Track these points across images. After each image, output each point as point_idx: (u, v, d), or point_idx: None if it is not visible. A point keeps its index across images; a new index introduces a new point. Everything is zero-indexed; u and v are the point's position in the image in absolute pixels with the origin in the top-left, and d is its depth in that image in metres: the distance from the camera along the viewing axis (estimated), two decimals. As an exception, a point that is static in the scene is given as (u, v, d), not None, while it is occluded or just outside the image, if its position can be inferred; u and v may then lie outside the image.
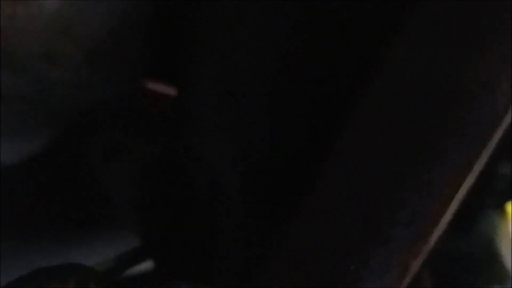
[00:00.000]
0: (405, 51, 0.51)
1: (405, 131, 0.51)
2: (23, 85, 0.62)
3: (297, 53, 0.57)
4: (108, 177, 0.68)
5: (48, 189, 0.70)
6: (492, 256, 0.66)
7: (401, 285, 0.51)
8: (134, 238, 0.71)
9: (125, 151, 0.67)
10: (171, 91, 0.65)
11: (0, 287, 0.65)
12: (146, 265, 0.72)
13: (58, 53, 0.60)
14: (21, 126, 0.65)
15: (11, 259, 0.70)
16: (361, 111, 0.52)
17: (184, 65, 0.63)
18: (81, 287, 0.65)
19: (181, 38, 0.63)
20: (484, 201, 0.66)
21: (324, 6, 0.56)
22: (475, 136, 0.50)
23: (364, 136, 0.52)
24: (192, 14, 0.62)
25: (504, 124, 0.50)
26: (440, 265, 0.65)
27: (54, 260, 0.67)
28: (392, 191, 0.51)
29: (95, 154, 0.68)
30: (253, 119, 0.59)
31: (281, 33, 0.57)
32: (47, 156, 0.68)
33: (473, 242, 0.66)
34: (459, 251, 0.66)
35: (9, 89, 0.62)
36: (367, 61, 0.53)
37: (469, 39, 0.50)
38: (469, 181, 0.51)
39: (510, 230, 0.66)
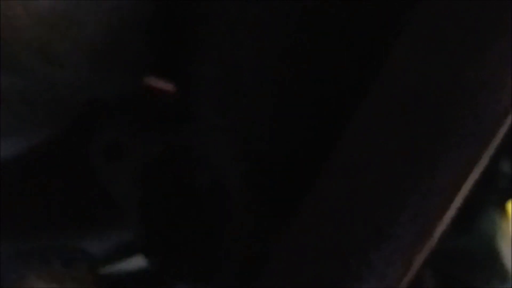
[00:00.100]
0: (406, 51, 0.51)
1: (408, 130, 0.51)
2: (22, 85, 0.61)
3: (299, 53, 0.57)
4: (108, 176, 0.68)
5: (48, 187, 0.70)
6: (493, 255, 0.66)
7: (403, 283, 0.51)
8: (130, 233, 0.71)
9: (125, 150, 0.67)
10: (170, 87, 0.65)
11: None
12: (141, 263, 0.72)
13: (57, 52, 0.60)
14: (21, 126, 0.65)
15: (10, 256, 0.70)
16: (364, 110, 0.52)
17: (185, 64, 0.63)
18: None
19: (182, 36, 0.63)
20: (485, 200, 0.66)
21: (325, 6, 0.56)
22: (476, 136, 0.50)
23: (367, 135, 0.52)
24: (194, 13, 0.62)
25: (506, 124, 0.50)
26: (441, 264, 0.65)
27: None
28: (394, 188, 0.51)
29: (95, 153, 0.68)
30: (255, 118, 0.59)
31: (283, 32, 0.57)
32: (47, 155, 0.68)
33: (473, 241, 0.66)
34: (460, 250, 0.66)
35: (8, 88, 0.61)
36: (368, 60, 0.53)
37: (469, 39, 0.50)
38: (472, 179, 0.51)
39: (511, 229, 0.66)
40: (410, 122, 0.51)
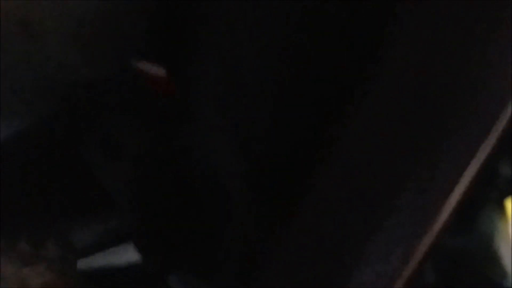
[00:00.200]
0: (406, 51, 0.51)
1: (406, 123, 0.51)
2: (4, 63, 0.59)
3: (299, 53, 0.57)
4: (105, 174, 0.68)
5: (35, 176, 0.69)
6: (492, 255, 0.66)
7: (402, 277, 0.52)
8: (124, 228, 0.71)
9: (125, 150, 0.67)
10: (162, 72, 0.65)
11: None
12: (136, 259, 0.72)
13: (40, 26, 0.57)
14: (5, 111, 0.63)
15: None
16: (363, 109, 0.52)
17: (185, 64, 0.63)
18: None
19: (182, 36, 0.63)
20: (484, 200, 0.66)
21: (325, 6, 0.56)
22: (476, 127, 0.50)
23: (366, 132, 0.52)
24: (194, 13, 0.62)
25: (503, 120, 0.50)
26: (440, 263, 0.65)
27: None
28: (391, 180, 0.51)
29: (91, 149, 0.67)
30: (255, 118, 0.59)
31: (283, 32, 0.57)
32: (34, 143, 0.67)
33: (472, 240, 0.66)
34: (459, 250, 0.66)
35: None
36: (368, 60, 0.53)
37: (470, 38, 0.50)
38: (471, 173, 0.51)
39: (510, 228, 0.66)
40: (408, 116, 0.51)
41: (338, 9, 0.56)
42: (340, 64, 0.56)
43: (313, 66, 0.57)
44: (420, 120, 0.51)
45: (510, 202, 0.66)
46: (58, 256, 0.67)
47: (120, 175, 0.67)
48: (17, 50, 0.59)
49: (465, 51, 0.50)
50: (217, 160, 0.62)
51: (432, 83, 0.51)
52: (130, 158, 0.67)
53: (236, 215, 0.61)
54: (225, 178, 0.61)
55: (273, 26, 0.58)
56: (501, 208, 0.66)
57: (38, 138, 0.67)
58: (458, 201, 0.51)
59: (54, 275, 0.66)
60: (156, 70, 0.64)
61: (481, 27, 0.50)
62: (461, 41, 0.50)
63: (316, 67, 0.57)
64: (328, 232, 0.52)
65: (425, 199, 0.51)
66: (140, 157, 0.67)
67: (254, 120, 0.59)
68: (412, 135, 0.51)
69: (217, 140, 0.61)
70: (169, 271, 0.68)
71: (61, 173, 0.69)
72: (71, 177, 0.69)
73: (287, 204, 0.55)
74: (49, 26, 0.58)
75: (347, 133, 0.53)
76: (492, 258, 0.66)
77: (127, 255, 0.73)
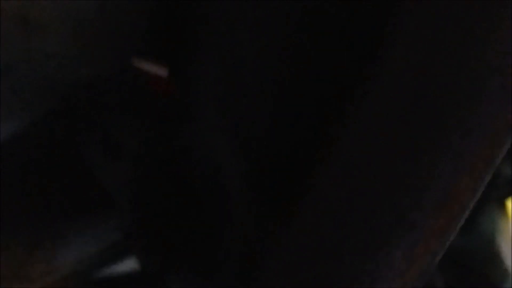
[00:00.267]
0: (407, 46, 0.51)
1: (406, 124, 0.51)
2: (3, 59, 0.59)
3: (299, 53, 0.57)
4: (105, 174, 0.68)
5: (36, 179, 0.69)
6: (493, 254, 0.66)
7: (403, 274, 0.52)
8: (124, 229, 0.71)
9: (125, 150, 0.67)
10: (162, 72, 0.65)
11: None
12: (135, 259, 0.72)
13: (39, 20, 0.57)
14: (6, 113, 0.63)
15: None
16: (363, 109, 0.52)
17: (185, 64, 0.63)
18: None
19: (182, 36, 0.63)
20: (484, 199, 0.66)
21: (325, 6, 0.56)
22: (476, 130, 0.50)
23: (366, 132, 0.52)
24: (194, 13, 0.62)
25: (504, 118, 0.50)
26: (441, 263, 0.65)
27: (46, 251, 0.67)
28: (392, 178, 0.51)
29: (92, 149, 0.67)
30: (255, 118, 0.59)
31: (283, 32, 0.57)
32: (35, 145, 0.67)
33: (473, 240, 0.66)
34: (460, 249, 0.66)
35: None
36: (368, 60, 0.53)
37: (469, 35, 0.50)
38: (470, 173, 0.51)
39: (510, 228, 0.66)
40: (408, 116, 0.51)
41: (338, 9, 0.56)
42: (340, 64, 0.56)
43: (313, 66, 0.57)
44: (420, 120, 0.51)
45: (511, 202, 0.66)
46: (58, 256, 0.67)
47: (120, 175, 0.67)
48: (17, 50, 0.59)
49: (465, 51, 0.50)
50: (217, 160, 0.62)
51: (432, 83, 0.51)
52: (130, 158, 0.67)
53: (236, 215, 0.61)
54: (225, 178, 0.61)
55: (273, 26, 0.58)
56: (502, 208, 0.66)
57: (38, 137, 0.67)
58: (457, 201, 0.51)
59: (55, 276, 0.66)
60: (157, 70, 0.64)
61: (481, 27, 0.50)
62: (461, 41, 0.50)
63: (316, 67, 0.57)
64: (328, 232, 0.52)
65: (425, 199, 0.51)
66: (140, 157, 0.67)
67: (254, 120, 0.59)
68: (412, 135, 0.51)
69: (217, 140, 0.61)
70: (168, 271, 0.68)
71: (61, 173, 0.69)
72: (71, 177, 0.69)
73: (287, 204, 0.55)
74: (49, 26, 0.58)
75: (347, 133, 0.53)
76: (492, 258, 0.66)
77: (127, 257, 0.73)
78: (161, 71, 0.64)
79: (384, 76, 0.52)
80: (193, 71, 0.62)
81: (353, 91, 0.53)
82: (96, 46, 0.61)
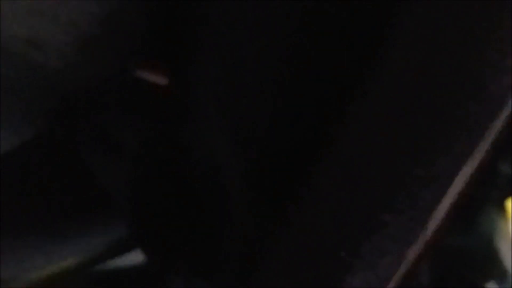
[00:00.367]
0: (407, 46, 0.51)
1: (406, 123, 0.51)
2: (7, 71, 0.60)
3: (299, 53, 0.57)
4: (105, 174, 0.68)
5: (40, 183, 0.69)
6: (492, 254, 0.66)
7: (396, 276, 0.52)
8: (124, 229, 0.71)
9: (125, 150, 0.67)
10: (163, 80, 0.65)
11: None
12: (136, 259, 0.72)
13: (44, 38, 0.58)
14: (6, 114, 0.63)
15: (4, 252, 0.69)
16: (363, 109, 0.52)
17: (185, 64, 0.63)
18: None
19: (182, 36, 0.63)
20: (484, 199, 0.66)
21: (325, 6, 0.56)
22: (474, 127, 0.50)
23: (366, 132, 0.52)
24: (194, 13, 0.62)
25: (503, 117, 0.50)
26: (439, 262, 0.65)
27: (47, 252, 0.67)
28: (392, 178, 0.51)
29: (91, 150, 0.67)
30: (255, 118, 0.59)
31: (283, 32, 0.57)
32: (39, 151, 0.68)
33: (472, 240, 0.66)
34: (459, 249, 0.66)
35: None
36: (368, 60, 0.53)
37: (469, 35, 0.50)
38: (467, 172, 0.51)
39: (510, 228, 0.66)
40: (407, 116, 0.51)
41: (338, 9, 0.56)
42: (340, 64, 0.56)
43: (313, 66, 0.57)
44: (420, 120, 0.51)
45: (510, 202, 0.66)
46: (59, 256, 0.67)
47: (120, 175, 0.67)
48: (14, 55, 0.59)
49: (465, 51, 0.50)
50: (217, 160, 0.62)
51: (432, 83, 0.51)
52: (130, 158, 0.67)
53: (236, 215, 0.61)
54: (225, 178, 0.61)
55: (273, 26, 0.58)
56: (501, 208, 0.66)
57: (38, 138, 0.67)
58: (456, 201, 0.51)
59: (54, 275, 0.66)
60: (156, 79, 0.64)
61: (481, 27, 0.50)
62: (461, 41, 0.50)
63: (316, 66, 0.57)
64: (327, 232, 0.52)
65: (424, 199, 0.51)
66: (140, 157, 0.67)
67: (254, 120, 0.59)
68: (411, 135, 0.51)
69: (217, 140, 0.61)
70: (169, 271, 0.68)
71: (61, 173, 0.69)
72: (71, 177, 0.69)
73: (287, 204, 0.55)
74: (54, 38, 0.58)
75: (347, 133, 0.53)
76: (492, 258, 0.66)
77: (129, 256, 0.73)
78: (161, 80, 0.64)
79: (384, 76, 0.52)
80: (193, 71, 0.62)
81: (353, 91, 0.53)
82: (96, 46, 0.61)
